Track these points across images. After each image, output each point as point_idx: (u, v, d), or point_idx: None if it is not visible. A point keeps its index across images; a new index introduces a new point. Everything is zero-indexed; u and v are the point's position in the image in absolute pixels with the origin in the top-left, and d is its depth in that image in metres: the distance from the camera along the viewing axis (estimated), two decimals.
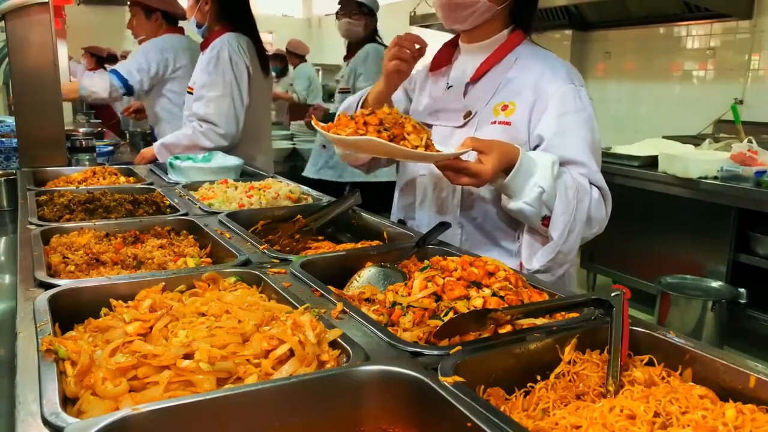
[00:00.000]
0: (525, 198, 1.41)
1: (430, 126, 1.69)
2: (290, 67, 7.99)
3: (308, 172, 4.15)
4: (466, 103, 1.63)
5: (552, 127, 1.50)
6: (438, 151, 1.41)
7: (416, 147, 1.36)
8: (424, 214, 1.76)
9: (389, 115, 1.41)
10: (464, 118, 1.62)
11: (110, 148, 3.36)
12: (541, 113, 1.53)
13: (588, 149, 1.50)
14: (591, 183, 1.49)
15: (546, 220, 1.44)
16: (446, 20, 1.61)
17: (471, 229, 1.66)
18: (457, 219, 1.66)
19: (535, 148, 1.53)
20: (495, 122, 1.57)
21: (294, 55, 7.89)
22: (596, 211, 1.49)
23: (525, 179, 1.40)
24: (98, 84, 3.40)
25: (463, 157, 1.39)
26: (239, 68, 2.82)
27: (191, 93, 2.96)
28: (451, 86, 1.71)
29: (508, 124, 1.55)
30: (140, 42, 3.67)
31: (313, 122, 1.52)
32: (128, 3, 3.62)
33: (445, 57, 1.76)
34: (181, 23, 3.64)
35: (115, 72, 3.46)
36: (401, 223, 1.81)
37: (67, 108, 4.88)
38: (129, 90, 3.46)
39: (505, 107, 1.57)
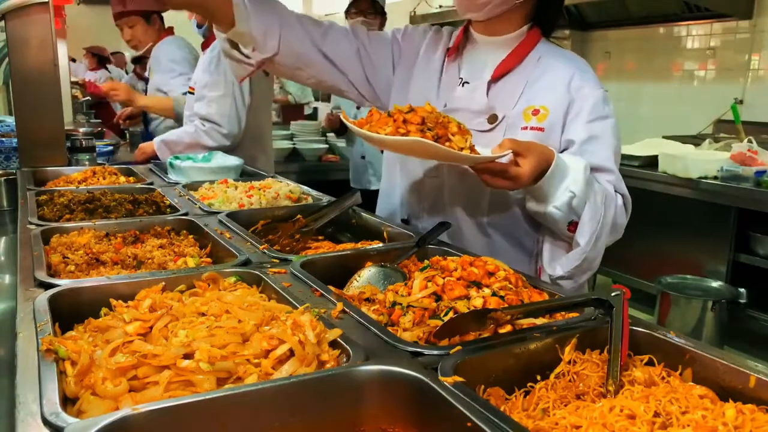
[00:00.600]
0: (555, 202, 1.37)
1: None
2: None
3: (356, 183, 4.06)
4: (489, 104, 1.53)
5: (582, 132, 1.46)
6: (478, 153, 1.32)
7: (461, 149, 1.27)
8: (438, 218, 1.65)
9: (431, 113, 1.31)
10: (490, 122, 1.53)
11: (110, 148, 3.36)
12: (573, 118, 1.48)
13: (614, 156, 1.49)
14: (615, 190, 1.48)
15: (572, 226, 1.40)
16: (460, 7, 1.52)
17: (495, 233, 1.59)
18: (484, 226, 1.59)
19: (562, 153, 1.47)
20: (526, 128, 1.49)
21: None
22: (620, 217, 1.47)
23: (558, 183, 1.35)
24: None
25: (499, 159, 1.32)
26: None
27: (191, 93, 2.96)
28: (467, 83, 1.60)
29: (540, 130, 1.48)
30: (145, 53, 3.63)
31: (342, 117, 1.42)
32: (122, 17, 3.49)
33: (458, 46, 1.64)
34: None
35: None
36: (406, 222, 1.75)
37: (67, 108, 4.88)
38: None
39: (536, 112, 1.50)
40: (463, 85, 1.60)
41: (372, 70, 1.68)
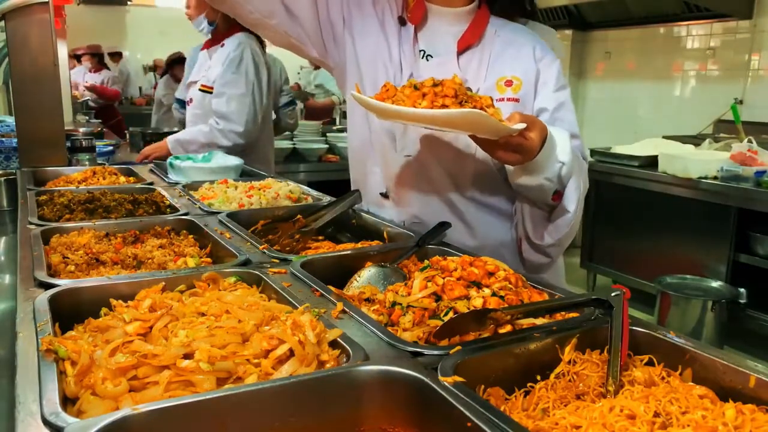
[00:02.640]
0: (547, 173, 1.37)
1: None
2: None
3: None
4: (463, 77, 1.48)
5: (552, 101, 1.51)
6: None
7: (501, 121, 1.23)
8: (410, 195, 1.62)
9: (460, 85, 1.26)
10: None
11: (110, 148, 3.36)
12: (542, 86, 1.53)
13: (576, 121, 1.54)
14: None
15: (556, 195, 1.42)
16: None
17: (471, 211, 1.59)
18: (462, 203, 1.58)
19: None
20: (503, 99, 1.50)
21: None
22: (586, 181, 1.51)
23: (550, 154, 1.36)
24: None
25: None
26: (260, 69, 2.86)
27: (207, 91, 2.97)
28: (429, 56, 1.56)
29: (516, 101, 1.50)
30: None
31: (356, 92, 1.31)
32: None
33: (418, 15, 1.56)
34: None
35: None
36: (384, 196, 1.70)
37: (67, 108, 4.89)
38: None
39: (509, 83, 1.51)
40: (426, 59, 1.56)
41: (327, 25, 1.62)
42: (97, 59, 8.21)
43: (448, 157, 1.56)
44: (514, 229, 1.60)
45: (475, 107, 1.21)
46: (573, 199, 1.42)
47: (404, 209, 1.66)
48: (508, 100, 1.50)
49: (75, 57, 7.96)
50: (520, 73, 1.52)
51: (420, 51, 1.57)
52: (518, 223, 1.56)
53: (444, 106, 1.21)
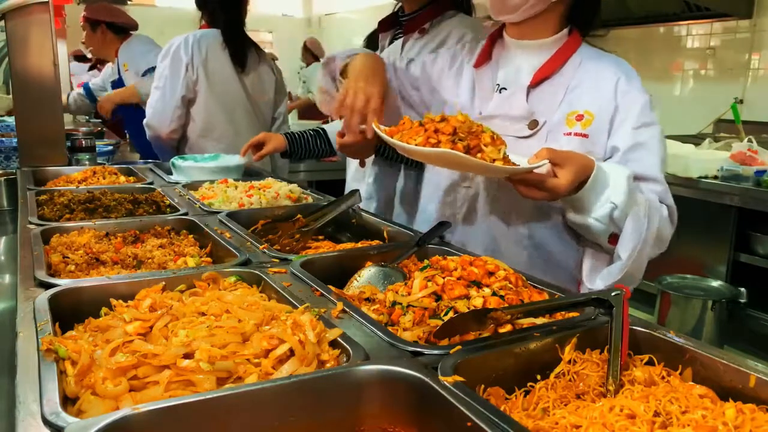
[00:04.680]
0: (595, 213, 1.31)
1: None
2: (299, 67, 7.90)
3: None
4: (530, 110, 1.47)
5: (628, 139, 1.40)
6: (513, 164, 1.27)
7: (494, 160, 1.22)
8: (471, 230, 1.59)
9: (463, 123, 1.26)
10: (530, 128, 1.47)
11: (110, 147, 3.36)
12: (620, 124, 1.42)
13: (660, 165, 1.41)
14: (660, 200, 1.41)
15: (613, 239, 1.34)
16: (494, 10, 1.47)
17: (534, 248, 1.51)
18: (524, 237, 1.51)
19: (606, 161, 1.41)
20: (570, 134, 1.43)
21: (310, 54, 7.67)
22: (665, 230, 1.40)
23: (598, 194, 1.29)
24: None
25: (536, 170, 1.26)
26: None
27: None
28: (504, 89, 1.54)
29: (584, 136, 1.42)
30: (93, 54, 3.89)
31: (375, 126, 1.35)
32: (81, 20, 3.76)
33: (490, 52, 1.59)
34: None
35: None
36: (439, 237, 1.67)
37: None
38: None
39: (580, 117, 1.43)
40: (500, 92, 1.54)
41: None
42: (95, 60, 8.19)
43: (506, 193, 1.50)
44: (574, 280, 1.52)
45: (468, 145, 1.22)
46: (627, 245, 1.31)
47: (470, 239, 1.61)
48: (575, 135, 1.43)
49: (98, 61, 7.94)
50: (594, 107, 1.43)
51: (497, 85, 1.55)
52: (581, 263, 1.49)
53: (438, 142, 1.22)
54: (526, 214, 1.51)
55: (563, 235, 1.50)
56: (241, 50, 2.96)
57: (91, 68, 6.89)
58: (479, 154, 1.22)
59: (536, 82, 1.48)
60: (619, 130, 1.42)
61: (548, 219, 1.50)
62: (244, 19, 2.99)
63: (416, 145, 1.23)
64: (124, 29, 3.83)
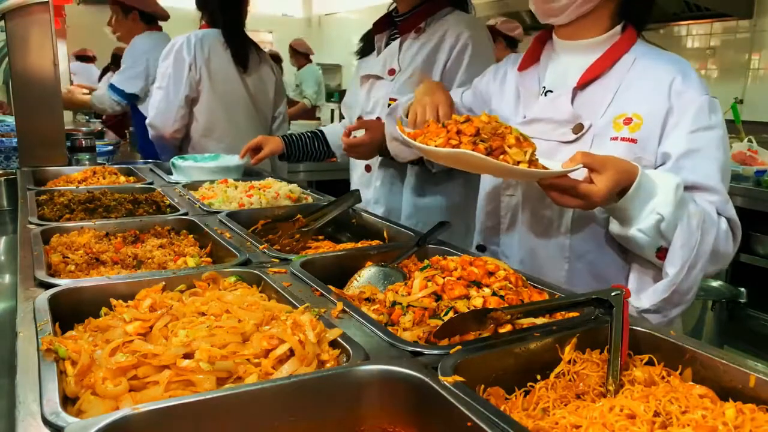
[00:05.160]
0: (640, 225, 1.21)
1: None
2: (294, 69, 7.87)
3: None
4: (575, 113, 1.38)
5: (682, 145, 1.28)
6: (543, 167, 1.19)
7: (518, 163, 1.15)
8: (513, 240, 1.53)
9: (488, 124, 1.20)
10: (575, 132, 1.38)
11: (110, 147, 3.36)
12: (673, 128, 1.30)
13: (720, 173, 1.29)
14: (719, 212, 1.29)
15: (662, 253, 1.24)
16: (539, 11, 1.40)
17: (576, 261, 1.43)
18: (566, 250, 1.43)
19: (657, 168, 1.32)
20: (617, 138, 1.33)
21: (300, 55, 7.58)
22: (723, 245, 1.28)
23: (642, 203, 1.20)
24: (105, 101, 3.50)
25: (572, 175, 1.18)
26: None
27: None
28: (549, 91, 1.46)
29: (633, 141, 1.31)
30: (118, 39, 3.76)
31: (398, 129, 1.31)
32: (108, 2, 3.70)
33: (536, 54, 1.52)
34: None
35: (111, 87, 3.55)
36: (481, 249, 1.62)
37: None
38: (130, 98, 3.53)
39: (628, 121, 1.33)
40: (545, 95, 1.47)
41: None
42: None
43: (547, 201, 1.40)
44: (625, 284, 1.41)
45: (491, 146, 1.16)
46: (676, 261, 1.21)
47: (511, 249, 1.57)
48: (622, 139, 1.32)
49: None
50: (644, 110, 1.32)
51: (543, 88, 1.49)
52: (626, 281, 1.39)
53: (459, 143, 1.18)
54: (567, 226, 1.42)
55: (608, 252, 1.40)
56: (243, 50, 2.97)
57: (105, 71, 6.90)
58: (502, 156, 1.16)
59: (583, 84, 1.39)
60: (671, 134, 1.31)
61: (592, 232, 1.41)
62: (245, 20, 2.99)
63: (436, 146, 1.19)
64: (153, 18, 3.73)
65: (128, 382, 0.83)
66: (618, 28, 1.41)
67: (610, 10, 1.40)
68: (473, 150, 1.15)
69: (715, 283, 3.41)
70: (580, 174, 1.18)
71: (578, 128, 1.38)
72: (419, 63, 2.01)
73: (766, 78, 4.26)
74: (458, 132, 1.20)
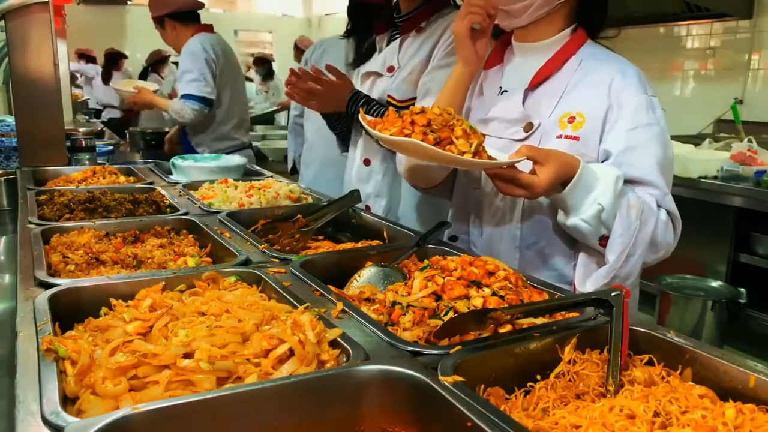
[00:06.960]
0: (582, 214, 1.28)
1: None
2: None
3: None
4: (525, 113, 1.46)
5: (621, 142, 1.36)
6: (490, 158, 1.26)
7: (463, 153, 1.22)
8: (477, 230, 1.60)
9: (439, 116, 1.27)
10: (525, 131, 1.45)
11: (110, 147, 3.36)
12: (612, 125, 1.38)
13: (658, 168, 1.37)
14: (659, 205, 1.36)
15: (604, 241, 1.32)
16: (500, 17, 1.45)
17: (527, 250, 1.49)
18: (516, 238, 1.49)
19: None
20: (561, 136, 1.40)
21: (302, 53, 7.76)
22: (663, 235, 1.35)
23: (584, 194, 1.27)
24: (186, 113, 3.44)
25: (519, 166, 1.26)
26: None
27: None
28: (505, 91, 1.53)
29: (575, 138, 1.38)
30: (177, 51, 3.68)
31: (360, 116, 1.38)
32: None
33: (499, 54, 1.58)
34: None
35: (187, 96, 3.43)
36: (453, 239, 1.67)
37: (67, 108, 4.89)
38: (209, 103, 3.48)
39: (572, 119, 1.40)
40: (501, 94, 1.54)
41: None
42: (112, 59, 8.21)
43: (499, 193, 1.46)
44: (570, 284, 1.48)
45: (440, 137, 1.23)
46: (616, 248, 1.29)
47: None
48: (566, 137, 1.39)
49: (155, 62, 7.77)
50: (586, 109, 1.40)
51: (500, 88, 1.55)
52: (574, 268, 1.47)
53: (411, 133, 1.24)
54: (517, 215, 1.49)
55: (555, 237, 1.47)
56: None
57: (142, 74, 6.91)
58: (449, 146, 1.23)
59: (535, 84, 1.47)
60: (611, 132, 1.38)
61: (541, 222, 1.48)
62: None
63: (390, 135, 1.25)
64: (188, 15, 3.58)
65: (128, 381, 0.83)
66: (567, 30, 1.48)
67: (563, 14, 1.47)
68: (422, 140, 1.21)
69: (715, 284, 3.41)
70: (527, 167, 1.25)
71: (528, 127, 1.45)
72: (418, 61, 2.01)
73: (766, 78, 4.26)
74: (412, 122, 1.26)
